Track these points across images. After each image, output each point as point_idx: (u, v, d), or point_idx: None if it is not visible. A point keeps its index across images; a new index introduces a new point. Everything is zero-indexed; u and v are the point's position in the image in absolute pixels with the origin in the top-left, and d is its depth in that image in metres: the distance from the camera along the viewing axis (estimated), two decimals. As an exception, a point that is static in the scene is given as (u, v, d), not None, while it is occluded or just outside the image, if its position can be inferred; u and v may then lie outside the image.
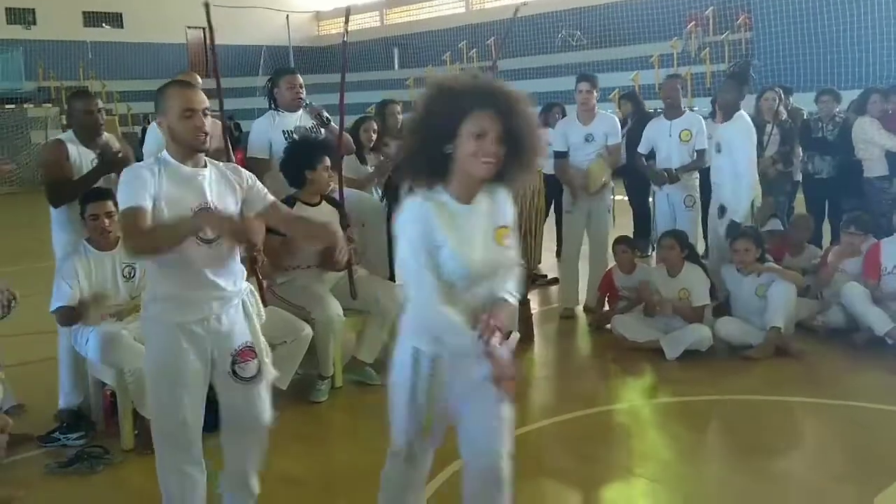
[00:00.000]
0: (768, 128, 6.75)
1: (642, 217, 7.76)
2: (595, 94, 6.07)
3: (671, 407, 4.54)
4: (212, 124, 2.81)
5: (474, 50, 23.75)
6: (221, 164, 2.88)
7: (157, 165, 2.69)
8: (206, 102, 2.74)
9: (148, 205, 2.58)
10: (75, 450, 4.00)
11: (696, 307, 5.28)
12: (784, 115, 7.09)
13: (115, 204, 4.18)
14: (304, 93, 5.16)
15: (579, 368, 5.40)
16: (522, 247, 6.20)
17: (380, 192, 5.69)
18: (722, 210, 5.79)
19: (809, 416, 4.37)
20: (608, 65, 19.56)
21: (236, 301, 2.85)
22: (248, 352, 2.83)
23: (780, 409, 4.43)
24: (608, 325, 5.69)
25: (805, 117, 7.29)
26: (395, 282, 5.25)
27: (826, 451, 3.95)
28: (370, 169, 5.75)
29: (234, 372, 2.80)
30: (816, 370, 4.91)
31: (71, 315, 4.09)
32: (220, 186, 2.77)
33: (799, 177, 6.97)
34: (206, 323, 2.77)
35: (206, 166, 2.78)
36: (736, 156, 5.62)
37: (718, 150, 5.75)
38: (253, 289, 3.03)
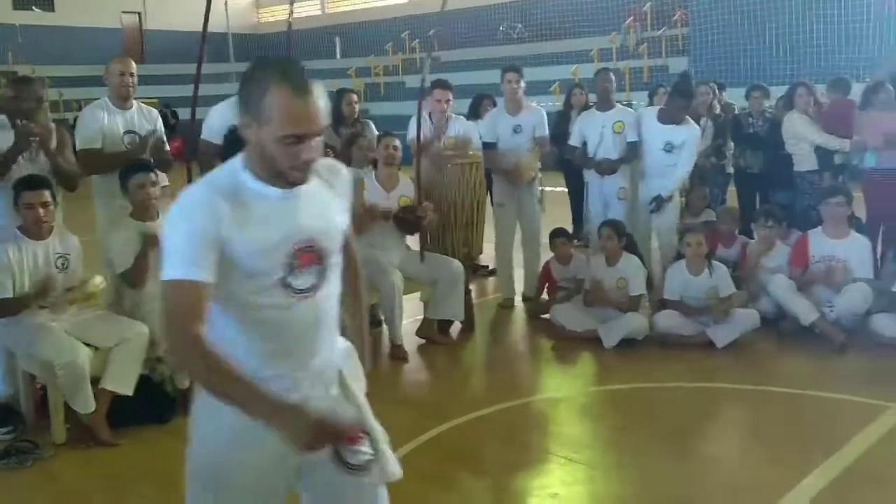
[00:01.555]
0: (702, 122, 6.91)
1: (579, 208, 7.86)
2: (522, 84, 6.13)
3: (608, 394, 4.63)
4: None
5: (417, 41, 23.69)
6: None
7: (226, 199, 1.76)
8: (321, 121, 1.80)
9: (209, 278, 1.72)
10: (4, 444, 3.89)
11: (633, 296, 5.39)
12: (718, 110, 7.29)
13: (53, 194, 4.10)
14: None
15: (518, 357, 5.46)
16: (464, 237, 6.32)
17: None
18: (658, 200, 5.95)
19: (740, 403, 4.50)
20: (549, 58, 19.73)
21: (332, 373, 1.99)
22: (357, 429, 1.83)
23: (712, 396, 4.56)
24: (547, 315, 5.77)
25: (736, 112, 7.48)
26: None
27: (756, 436, 4.08)
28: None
29: (341, 458, 1.81)
30: (747, 358, 5.05)
31: (9, 306, 3.97)
32: (320, 201, 1.91)
33: (731, 170, 7.15)
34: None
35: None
36: (684, 156, 5.95)
37: (669, 150, 5.94)
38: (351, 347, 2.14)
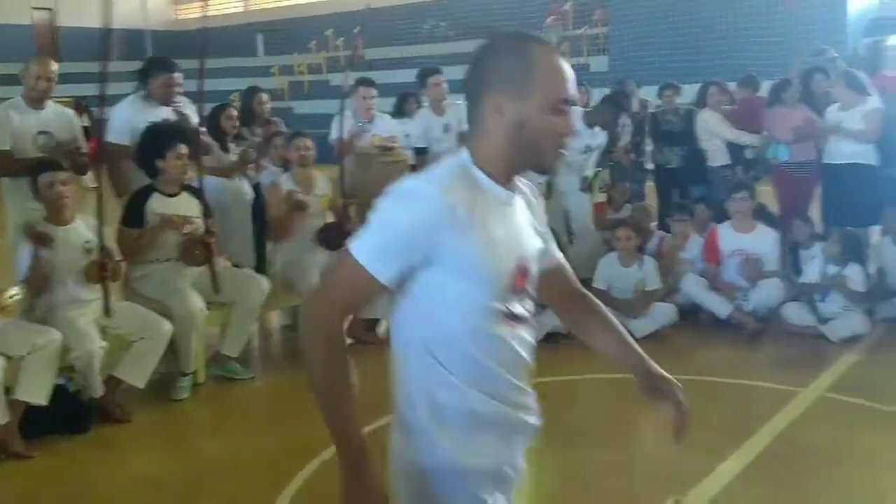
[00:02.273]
0: (621, 119, 7.07)
1: None
2: (443, 84, 6.27)
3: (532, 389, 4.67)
4: None
5: (341, 38, 23.51)
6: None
7: (460, 201, 1.49)
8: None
9: (389, 281, 1.51)
10: None
11: None
12: (636, 108, 7.46)
13: None
14: (181, 90, 4.98)
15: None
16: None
17: (247, 181, 5.56)
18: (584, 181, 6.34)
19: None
20: (469, 57, 19.84)
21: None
22: None
23: (632, 387, 4.65)
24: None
25: (653, 110, 7.67)
26: (261, 272, 5.18)
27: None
28: (233, 157, 5.61)
29: None
30: (666, 348, 5.19)
31: None
32: (526, 218, 1.69)
33: (650, 165, 7.34)
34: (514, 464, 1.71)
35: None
36: (593, 158, 6.39)
37: (585, 152, 6.20)
38: None
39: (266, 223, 5.35)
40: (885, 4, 15.63)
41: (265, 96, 6.31)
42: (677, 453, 3.73)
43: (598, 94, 7.75)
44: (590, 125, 6.13)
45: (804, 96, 6.40)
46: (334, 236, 5.20)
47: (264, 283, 4.83)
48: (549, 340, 5.26)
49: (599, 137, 6.19)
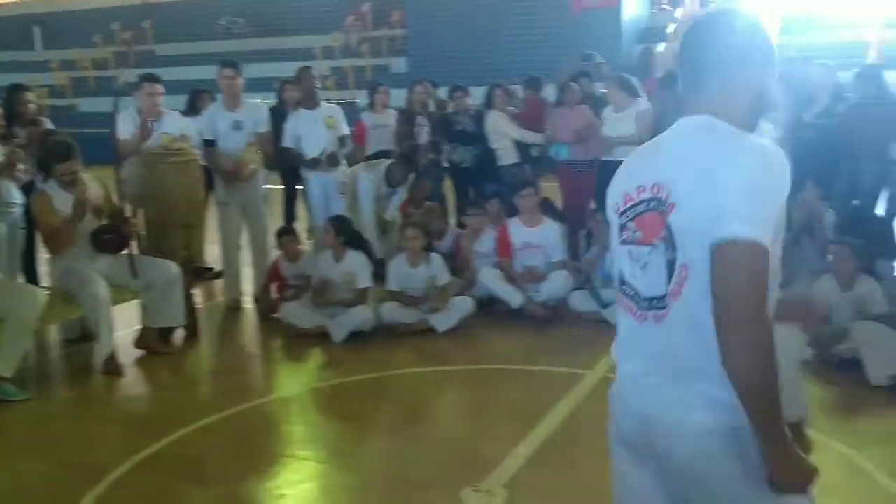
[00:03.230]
0: (419, 119, 7.23)
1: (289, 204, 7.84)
2: (239, 80, 6.08)
3: (339, 388, 4.68)
4: None
5: (129, 32, 22.19)
6: None
7: None
8: None
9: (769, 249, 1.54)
10: None
11: (360, 290, 5.50)
12: (432, 108, 7.64)
13: None
14: None
15: (247, 360, 5.35)
16: (184, 239, 6.04)
17: (14, 185, 5.10)
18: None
19: (461, 383, 4.77)
20: (272, 55, 19.47)
21: None
22: None
23: (437, 379, 4.80)
24: (277, 315, 5.70)
25: (449, 110, 7.88)
26: (35, 284, 4.79)
27: (475, 413, 4.35)
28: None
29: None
30: (465, 340, 5.37)
31: None
32: None
33: (447, 164, 7.53)
34: None
35: None
36: None
37: None
38: None
39: (34, 231, 4.94)
40: (653, 14, 17.09)
41: (31, 95, 5.84)
42: (473, 441, 3.89)
43: (397, 95, 7.85)
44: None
45: (585, 99, 6.85)
46: (113, 239, 4.92)
47: (40, 295, 4.47)
48: (354, 338, 5.30)
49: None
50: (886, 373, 4.26)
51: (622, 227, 1.75)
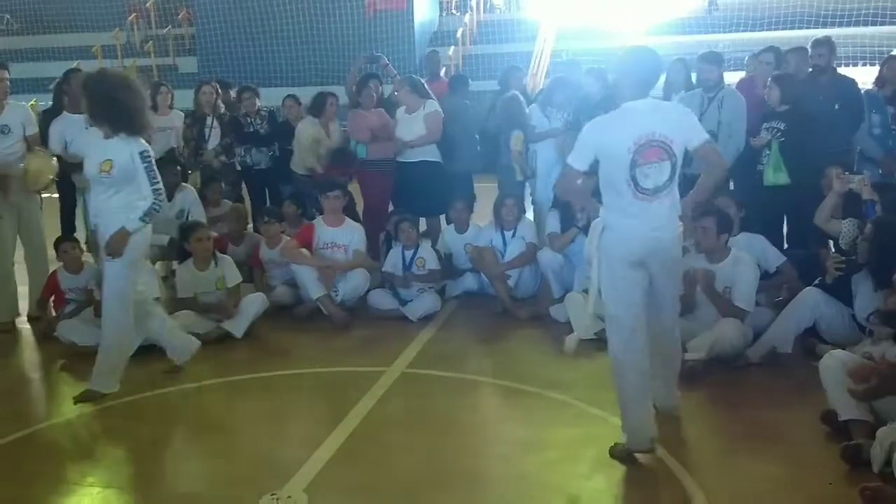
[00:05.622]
0: (209, 120, 6.98)
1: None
2: (6, 81, 5.63)
3: (129, 406, 4.38)
4: None
5: None
6: None
7: None
8: None
9: None
10: None
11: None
12: (222, 109, 7.37)
13: None
14: None
15: (21, 385, 4.92)
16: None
17: None
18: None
19: (259, 390, 4.60)
20: (44, 53, 18.07)
21: None
22: None
23: (236, 388, 4.62)
24: (56, 333, 5.27)
25: (242, 112, 7.65)
26: None
27: (272, 419, 4.22)
28: None
29: None
30: (264, 345, 5.27)
31: None
32: None
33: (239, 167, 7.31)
34: None
35: None
36: None
37: None
38: None
39: None
40: (442, 18, 17.65)
41: None
42: (272, 449, 3.81)
43: (182, 96, 7.52)
44: None
45: (380, 101, 6.91)
46: None
47: None
48: (144, 352, 5.00)
49: None
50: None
51: (637, 155, 3.37)
